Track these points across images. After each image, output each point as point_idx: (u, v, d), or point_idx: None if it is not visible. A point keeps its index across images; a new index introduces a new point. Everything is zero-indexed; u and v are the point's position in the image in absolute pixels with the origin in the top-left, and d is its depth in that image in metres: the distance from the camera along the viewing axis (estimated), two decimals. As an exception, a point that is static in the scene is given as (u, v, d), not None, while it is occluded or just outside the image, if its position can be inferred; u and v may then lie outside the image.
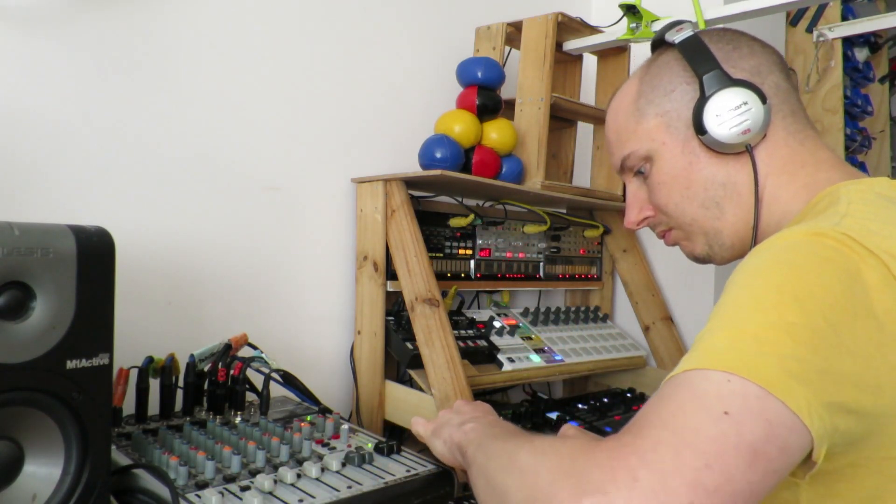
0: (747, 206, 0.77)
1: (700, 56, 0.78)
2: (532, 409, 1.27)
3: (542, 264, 1.56)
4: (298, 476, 0.77)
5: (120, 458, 0.79)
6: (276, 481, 0.75)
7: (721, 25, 0.89)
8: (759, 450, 0.47)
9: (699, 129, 0.76)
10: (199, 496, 0.71)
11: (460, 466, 0.78)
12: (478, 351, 1.25)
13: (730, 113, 0.74)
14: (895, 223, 0.60)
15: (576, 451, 0.53)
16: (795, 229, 0.60)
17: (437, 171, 1.16)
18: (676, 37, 0.81)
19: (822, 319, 0.52)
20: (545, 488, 0.51)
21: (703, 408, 0.49)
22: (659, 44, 0.85)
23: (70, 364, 0.62)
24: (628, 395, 1.44)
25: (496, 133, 1.29)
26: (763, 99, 0.75)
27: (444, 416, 0.86)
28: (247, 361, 0.98)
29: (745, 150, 0.76)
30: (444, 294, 1.25)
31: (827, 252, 0.55)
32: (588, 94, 1.60)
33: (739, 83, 0.75)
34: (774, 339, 0.51)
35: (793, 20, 2.04)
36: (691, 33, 0.80)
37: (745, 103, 0.74)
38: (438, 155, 1.22)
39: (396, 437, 1.09)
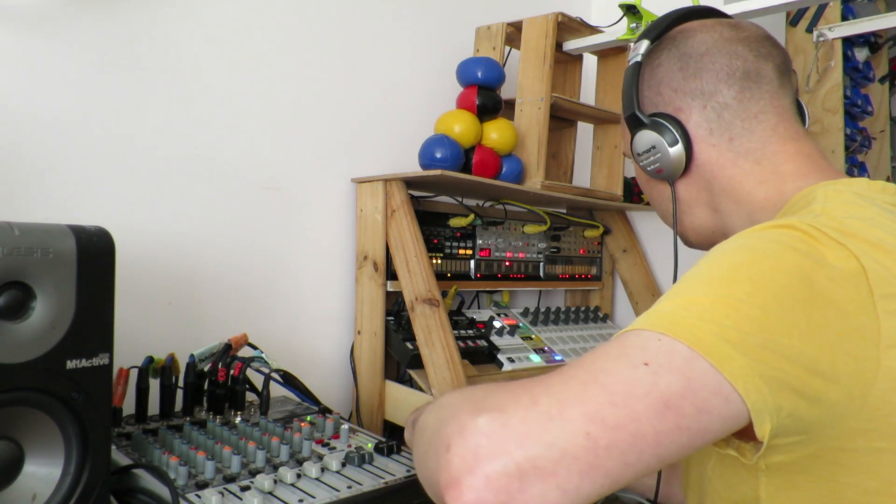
0: (703, 216, 0.79)
1: (628, 93, 0.80)
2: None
3: (542, 264, 1.56)
4: (298, 476, 0.77)
5: (120, 458, 0.79)
6: (276, 481, 0.75)
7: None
8: (671, 402, 0.47)
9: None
10: (199, 496, 0.71)
11: None
12: (478, 351, 1.25)
13: (645, 153, 0.78)
14: (873, 221, 0.58)
15: (496, 385, 0.54)
16: (765, 223, 0.60)
17: (437, 171, 1.16)
18: (630, 57, 0.81)
19: (773, 299, 0.51)
20: (454, 412, 0.51)
21: (624, 356, 0.50)
22: None
23: (70, 364, 0.62)
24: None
25: (496, 133, 1.29)
26: (676, 140, 0.75)
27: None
28: (247, 361, 0.98)
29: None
30: (444, 294, 1.25)
31: (790, 240, 0.55)
32: (588, 94, 1.60)
33: (653, 125, 0.76)
34: (718, 310, 0.51)
35: (793, 20, 2.04)
36: (636, 60, 0.79)
37: (654, 147, 0.76)
38: (438, 155, 1.22)
39: (396, 437, 1.09)
